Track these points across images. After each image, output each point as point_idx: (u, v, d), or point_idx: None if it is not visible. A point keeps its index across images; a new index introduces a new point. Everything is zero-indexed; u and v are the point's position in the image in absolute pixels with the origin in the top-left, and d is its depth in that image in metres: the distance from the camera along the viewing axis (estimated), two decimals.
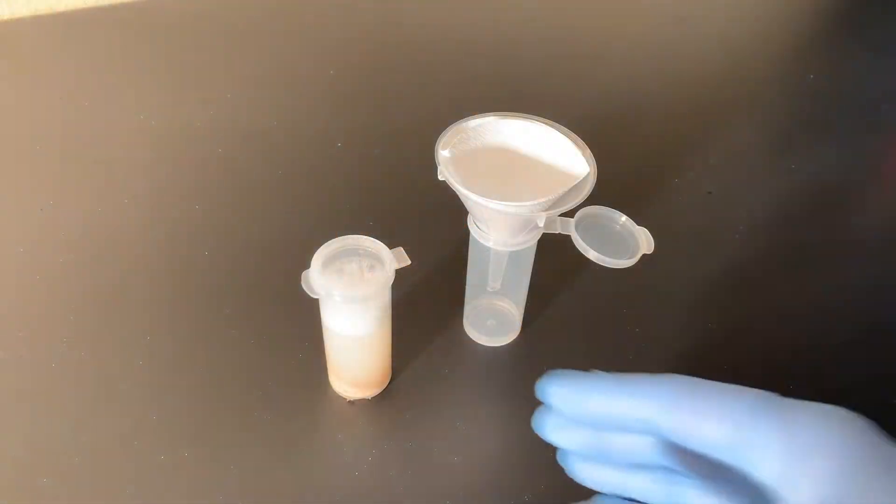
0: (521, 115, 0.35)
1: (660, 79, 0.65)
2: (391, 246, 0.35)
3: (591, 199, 0.33)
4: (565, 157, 0.34)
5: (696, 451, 0.22)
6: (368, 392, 0.40)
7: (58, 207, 0.50)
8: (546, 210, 0.32)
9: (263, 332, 0.43)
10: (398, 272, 0.34)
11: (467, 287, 0.41)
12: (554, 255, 0.40)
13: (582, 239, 0.34)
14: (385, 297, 0.35)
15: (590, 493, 0.27)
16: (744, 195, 0.54)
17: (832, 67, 0.68)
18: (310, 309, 0.44)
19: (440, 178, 0.33)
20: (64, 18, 0.68)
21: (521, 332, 0.43)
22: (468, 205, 0.34)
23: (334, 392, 0.40)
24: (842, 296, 0.47)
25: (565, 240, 0.35)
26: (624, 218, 0.36)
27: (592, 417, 0.24)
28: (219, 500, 0.35)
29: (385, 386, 0.40)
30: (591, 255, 0.34)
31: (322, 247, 0.34)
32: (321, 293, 0.33)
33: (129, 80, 0.61)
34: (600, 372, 0.24)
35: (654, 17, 0.73)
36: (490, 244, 0.36)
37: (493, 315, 0.43)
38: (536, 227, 0.34)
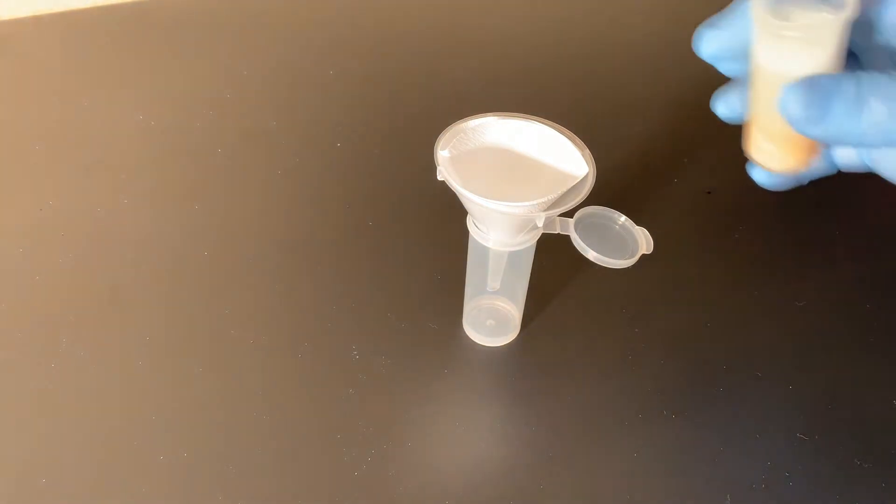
0: (520, 115, 0.35)
1: (659, 78, 0.65)
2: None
3: (591, 199, 0.33)
4: (565, 157, 0.34)
5: None
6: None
7: (58, 207, 0.50)
8: (545, 210, 0.32)
9: (263, 333, 0.43)
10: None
11: (466, 287, 0.41)
12: (553, 255, 0.40)
13: (581, 239, 0.34)
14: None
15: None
16: (744, 195, 0.54)
17: None
18: (309, 310, 0.44)
19: (439, 178, 0.33)
20: (64, 18, 0.68)
21: (520, 333, 0.43)
22: (467, 205, 0.34)
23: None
24: (842, 295, 0.47)
25: (565, 240, 0.35)
26: (623, 218, 0.36)
27: None
28: (219, 500, 0.35)
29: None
30: (591, 255, 0.34)
31: None
32: None
33: (129, 80, 0.61)
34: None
35: (653, 17, 0.73)
36: (489, 244, 0.36)
37: (493, 315, 0.43)
38: (536, 227, 0.34)
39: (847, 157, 0.30)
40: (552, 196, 0.32)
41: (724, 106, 0.31)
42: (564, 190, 0.33)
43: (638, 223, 0.36)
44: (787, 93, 0.25)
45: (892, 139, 0.25)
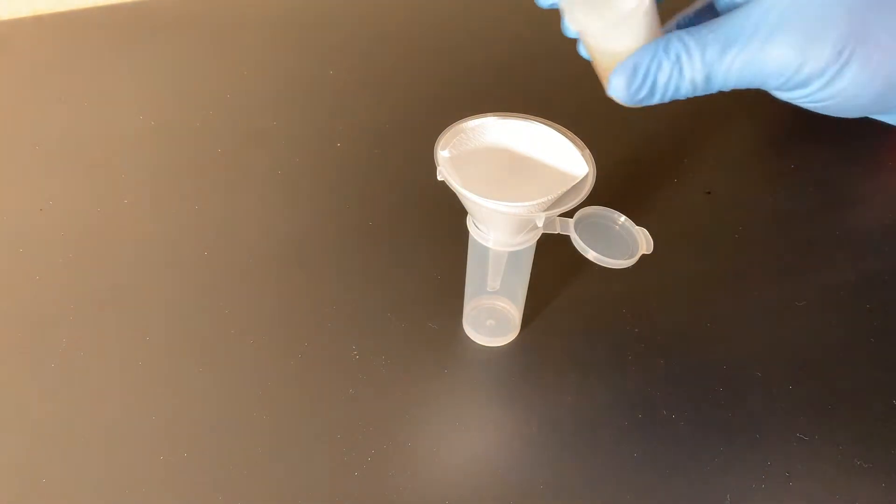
0: (520, 115, 0.35)
1: None
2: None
3: (591, 199, 0.33)
4: (564, 157, 0.34)
5: None
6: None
7: (58, 207, 0.50)
8: (545, 210, 0.32)
9: (263, 333, 0.43)
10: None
11: (466, 287, 0.41)
12: (553, 255, 0.40)
13: (581, 239, 0.34)
14: None
15: None
16: (744, 195, 0.54)
17: None
18: (309, 310, 0.44)
19: (439, 178, 0.33)
20: (64, 18, 0.68)
21: (520, 333, 0.43)
22: (467, 205, 0.34)
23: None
24: (841, 295, 0.47)
25: (565, 240, 0.35)
26: (623, 218, 0.36)
27: None
28: (218, 500, 0.35)
29: None
30: (591, 255, 0.34)
31: None
32: None
33: (129, 80, 0.61)
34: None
35: None
36: (489, 244, 0.36)
37: (493, 315, 0.43)
38: (535, 227, 0.34)
39: None
40: (552, 196, 0.32)
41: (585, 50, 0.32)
42: (564, 190, 0.33)
43: (638, 223, 0.36)
44: (612, 82, 0.27)
45: (715, 88, 0.27)
